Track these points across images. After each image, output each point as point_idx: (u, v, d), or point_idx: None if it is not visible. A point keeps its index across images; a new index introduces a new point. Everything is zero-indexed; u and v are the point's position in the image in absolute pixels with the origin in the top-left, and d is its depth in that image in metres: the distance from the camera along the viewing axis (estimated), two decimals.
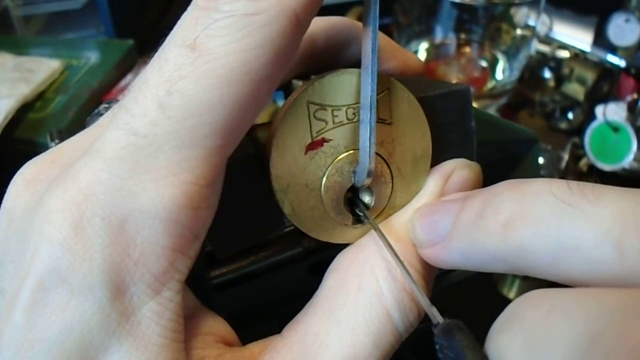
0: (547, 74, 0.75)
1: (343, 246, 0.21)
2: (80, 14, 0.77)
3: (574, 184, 0.15)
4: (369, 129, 0.19)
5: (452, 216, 0.18)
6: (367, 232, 0.21)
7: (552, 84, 0.74)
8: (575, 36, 0.78)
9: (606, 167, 0.65)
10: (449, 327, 0.15)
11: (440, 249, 0.18)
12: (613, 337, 0.11)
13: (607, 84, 0.71)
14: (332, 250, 0.21)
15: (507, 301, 0.14)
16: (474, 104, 0.22)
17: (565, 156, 0.68)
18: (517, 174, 0.32)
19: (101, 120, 0.20)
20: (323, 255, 0.22)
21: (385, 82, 0.20)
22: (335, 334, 0.18)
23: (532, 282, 0.54)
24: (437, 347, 0.15)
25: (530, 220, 0.15)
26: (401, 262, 0.18)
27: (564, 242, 0.14)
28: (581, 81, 0.71)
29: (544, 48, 0.77)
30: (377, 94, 0.19)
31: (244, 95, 0.16)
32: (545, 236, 0.15)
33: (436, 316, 0.16)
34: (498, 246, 0.16)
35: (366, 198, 0.21)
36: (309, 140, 0.19)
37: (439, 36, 0.71)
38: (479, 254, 0.17)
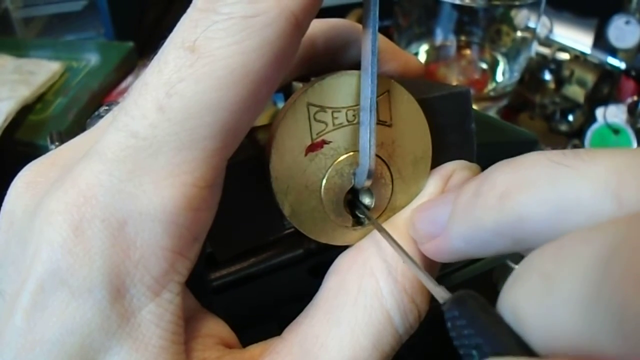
0: (548, 76, 0.74)
1: (343, 248, 0.21)
2: (81, 16, 0.77)
3: (568, 150, 0.15)
4: (369, 131, 0.19)
5: (449, 205, 0.18)
6: (367, 234, 0.21)
7: (552, 86, 0.74)
8: (575, 38, 0.77)
9: None
10: (460, 296, 0.14)
11: (441, 240, 0.18)
12: (633, 244, 0.10)
13: (607, 86, 0.71)
14: (333, 252, 0.21)
15: None
16: (474, 106, 0.22)
17: None
18: None
19: (101, 122, 0.20)
20: (323, 257, 0.22)
21: (385, 83, 0.20)
22: (335, 336, 0.18)
23: None
24: (449, 324, 0.14)
25: (526, 186, 0.15)
26: (404, 251, 0.18)
27: (562, 203, 0.14)
28: (581, 83, 0.71)
29: (544, 50, 0.76)
30: (377, 96, 0.19)
31: (243, 97, 0.16)
32: (543, 200, 0.14)
33: (444, 294, 0.15)
34: (496, 219, 0.16)
35: (366, 200, 0.21)
36: (309, 142, 0.19)
37: (439, 38, 0.71)
38: (478, 233, 0.16)
